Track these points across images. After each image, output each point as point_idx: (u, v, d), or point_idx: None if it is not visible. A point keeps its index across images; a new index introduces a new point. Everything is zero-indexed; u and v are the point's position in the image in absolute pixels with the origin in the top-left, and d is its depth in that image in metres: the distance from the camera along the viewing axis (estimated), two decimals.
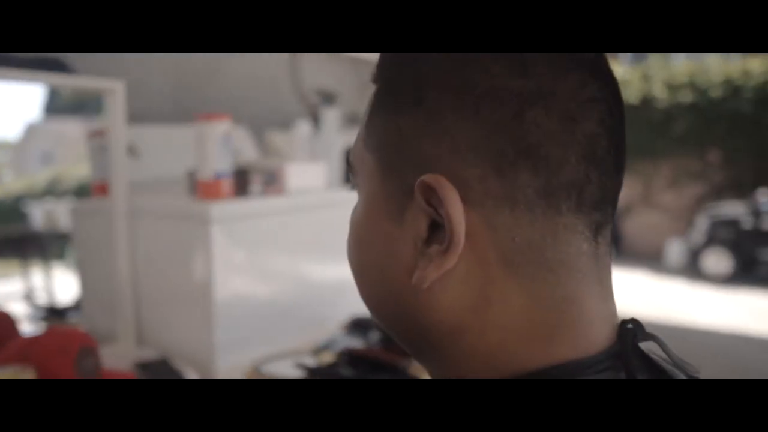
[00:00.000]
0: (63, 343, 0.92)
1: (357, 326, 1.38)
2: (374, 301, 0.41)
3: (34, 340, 0.93)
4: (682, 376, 0.36)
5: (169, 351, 1.21)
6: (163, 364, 1.13)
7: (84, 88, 1.34)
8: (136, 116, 1.42)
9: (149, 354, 1.19)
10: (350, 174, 0.43)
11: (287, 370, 1.17)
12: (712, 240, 5.78)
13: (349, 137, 1.79)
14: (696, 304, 4.99)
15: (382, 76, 0.39)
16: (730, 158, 6.63)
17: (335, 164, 1.71)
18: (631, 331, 0.35)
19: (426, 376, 0.42)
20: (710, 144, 6.69)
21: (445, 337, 0.36)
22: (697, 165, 6.80)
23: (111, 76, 1.23)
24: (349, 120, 2.23)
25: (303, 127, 1.75)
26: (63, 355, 0.91)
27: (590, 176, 0.34)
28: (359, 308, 1.38)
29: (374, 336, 1.31)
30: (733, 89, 6.49)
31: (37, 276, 2.61)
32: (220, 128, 1.15)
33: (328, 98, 1.99)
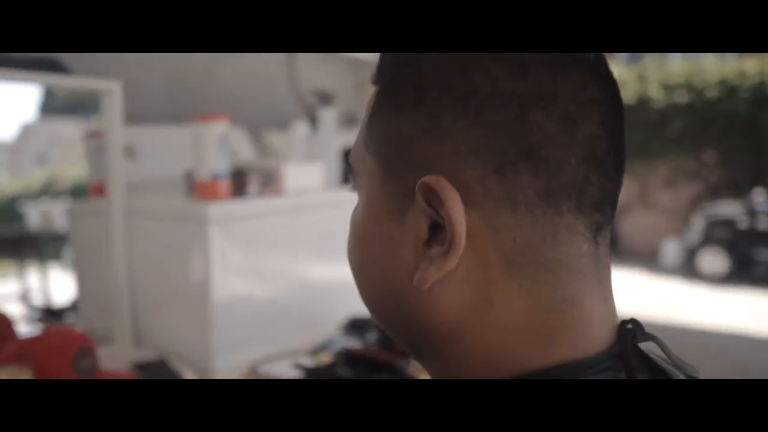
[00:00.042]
0: (60, 343, 0.92)
1: (355, 326, 1.38)
2: (374, 301, 0.41)
3: (31, 341, 0.92)
4: (682, 377, 0.36)
5: (166, 352, 1.21)
6: (161, 364, 1.13)
7: (81, 88, 1.34)
8: (133, 117, 1.42)
9: (147, 355, 1.19)
10: (350, 175, 0.43)
11: (285, 370, 1.16)
12: (708, 240, 5.79)
13: (347, 137, 1.79)
14: (692, 304, 5.00)
15: (382, 77, 0.39)
16: (725, 158, 6.65)
17: (333, 164, 1.71)
18: (631, 331, 0.36)
19: (425, 376, 0.42)
20: (706, 144, 6.71)
21: (446, 338, 0.36)
22: (693, 165, 6.82)
23: (108, 76, 1.22)
24: (347, 120, 2.23)
25: (300, 128, 1.75)
26: (60, 355, 0.90)
27: (590, 177, 0.34)
28: (357, 308, 1.38)
29: (372, 336, 1.31)
30: (728, 90, 6.51)
31: (33, 277, 2.61)
32: (218, 129, 1.15)
33: (326, 98, 1.99)
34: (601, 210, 0.35)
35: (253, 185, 1.27)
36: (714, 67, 6.66)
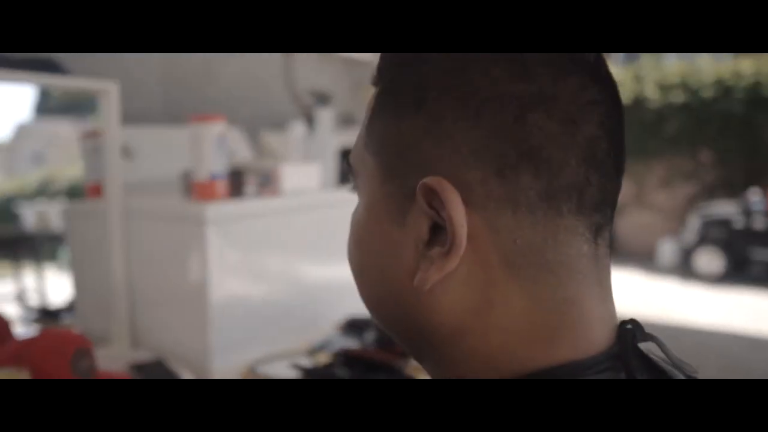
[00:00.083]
0: (58, 344, 0.92)
1: (352, 327, 1.38)
2: (374, 301, 0.41)
3: (28, 342, 0.92)
4: (681, 377, 0.36)
5: (164, 353, 1.20)
6: (159, 365, 1.13)
7: (78, 88, 1.33)
8: (130, 117, 1.42)
9: (144, 356, 1.19)
10: (351, 176, 0.43)
11: (283, 371, 1.16)
12: (704, 239, 5.81)
13: (344, 138, 1.79)
14: (688, 303, 5.01)
15: (382, 78, 0.39)
16: (721, 158, 6.66)
17: (330, 165, 1.71)
18: (631, 331, 0.36)
19: (423, 377, 0.42)
20: (702, 144, 6.72)
21: (446, 339, 0.36)
22: (689, 165, 6.83)
23: (104, 76, 1.22)
24: (344, 120, 2.23)
25: (297, 128, 1.75)
26: (58, 356, 0.90)
27: (590, 179, 0.34)
28: (354, 309, 1.38)
29: (370, 336, 1.31)
30: (724, 90, 6.52)
31: (29, 277, 2.59)
32: (216, 129, 1.15)
33: (322, 99, 1.99)
34: (601, 211, 0.35)
35: (250, 186, 1.27)
36: (709, 68, 6.68)
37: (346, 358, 1.15)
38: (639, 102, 6.87)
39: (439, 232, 0.35)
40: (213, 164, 1.15)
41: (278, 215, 1.30)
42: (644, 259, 6.65)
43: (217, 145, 1.15)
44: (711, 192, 6.69)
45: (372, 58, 2.49)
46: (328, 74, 2.51)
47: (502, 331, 0.35)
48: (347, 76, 2.60)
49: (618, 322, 0.37)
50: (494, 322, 0.35)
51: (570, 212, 0.34)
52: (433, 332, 0.37)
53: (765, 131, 6.38)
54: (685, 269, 5.98)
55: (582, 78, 0.34)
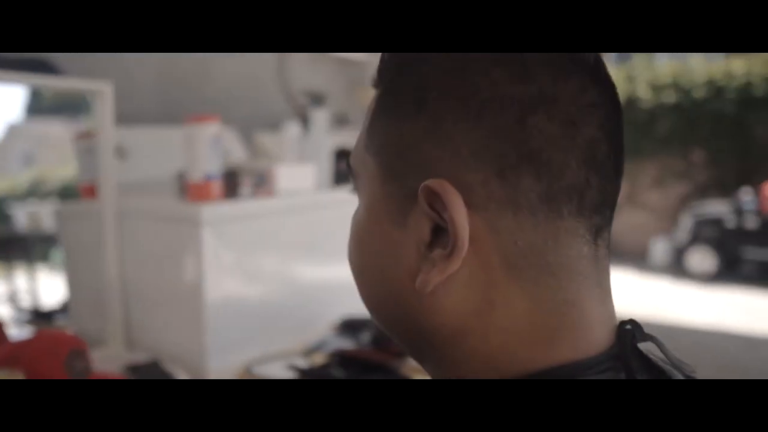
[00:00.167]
0: (52, 345, 0.91)
1: (348, 327, 1.38)
2: (374, 301, 0.41)
3: (22, 344, 0.91)
4: (680, 376, 0.36)
5: (159, 353, 1.20)
6: (154, 366, 1.12)
7: (72, 89, 1.33)
8: (124, 117, 1.41)
9: (139, 356, 1.18)
10: (351, 177, 0.43)
11: (279, 371, 1.16)
12: (696, 239, 5.84)
13: (338, 138, 1.79)
14: (681, 302, 5.04)
15: (382, 80, 0.39)
16: (713, 158, 6.70)
17: (324, 165, 1.70)
18: (630, 332, 0.36)
19: (419, 377, 0.43)
20: (694, 144, 6.75)
21: (447, 340, 0.36)
22: (681, 165, 6.86)
23: (98, 77, 1.21)
24: (338, 121, 2.23)
25: (292, 129, 1.75)
26: (52, 357, 0.90)
27: (590, 180, 0.34)
28: (350, 309, 1.38)
29: (365, 337, 1.31)
30: (716, 90, 6.56)
31: (21, 278, 2.58)
32: (210, 130, 1.14)
33: (317, 99, 1.99)
34: (600, 212, 0.35)
35: (245, 186, 1.26)
36: (701, 68, 6.71)
37: (341, 358, 1.15)
38: (631, 102, 6.89)
39: (440, 233, 0.35)
40: (208, 165, 1.15)
41: (273, 216, 1.30)
42: (637, 258, 6.68)
43: (211, 146, 1.15)
44: (703, 191, 6.72)
45: (367, 59, 2.50)
46: (323, 74, 2.51)
47: (502, 332, 0.35)
48: (342, 76, 2.60)
49: (617, 322, 0.37)
50: (495, 323, 0.35)
51: (570, 214, 0.34)
52: (433, 333, 0.37)
53: (756, 131, 6.42)
54: (677, 268, 6.01)
55: (582, 80, 0.34)
